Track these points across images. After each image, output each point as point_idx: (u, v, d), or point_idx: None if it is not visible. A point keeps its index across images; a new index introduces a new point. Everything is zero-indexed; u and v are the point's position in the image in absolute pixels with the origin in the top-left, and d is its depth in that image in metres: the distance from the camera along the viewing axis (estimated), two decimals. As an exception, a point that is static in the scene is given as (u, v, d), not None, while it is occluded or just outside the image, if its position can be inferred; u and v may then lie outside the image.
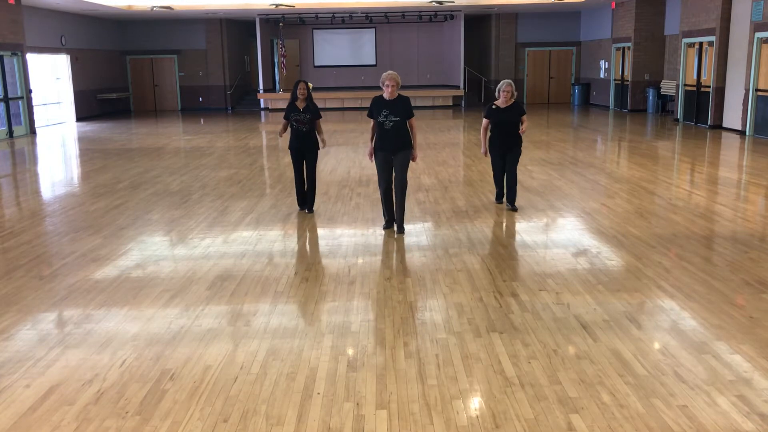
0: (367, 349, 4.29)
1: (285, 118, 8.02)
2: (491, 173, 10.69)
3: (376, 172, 7.24)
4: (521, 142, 8.27)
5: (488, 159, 8.65)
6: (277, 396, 3.71)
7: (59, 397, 3.73)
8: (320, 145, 8.14)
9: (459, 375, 3.91)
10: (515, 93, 8.18)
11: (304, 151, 8.04)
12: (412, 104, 7.14)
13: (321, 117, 8.07)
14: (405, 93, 7.22)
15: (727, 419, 3.40)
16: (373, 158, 7.15)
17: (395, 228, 7.25)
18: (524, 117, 8.13)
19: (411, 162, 7.20)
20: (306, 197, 8.26)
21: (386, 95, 6.97)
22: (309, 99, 7.97)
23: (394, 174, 7.08)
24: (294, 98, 7.93)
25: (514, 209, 8.20)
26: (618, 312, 4.86)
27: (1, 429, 3.43)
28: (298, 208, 8.35)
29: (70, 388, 3.84)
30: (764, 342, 4.30)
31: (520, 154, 8.29)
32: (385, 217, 7.35)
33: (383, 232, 7.25)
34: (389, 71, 7.09)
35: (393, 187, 7.14)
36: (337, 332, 4.57)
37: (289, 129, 8.08)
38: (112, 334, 4.61)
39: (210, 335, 4.56)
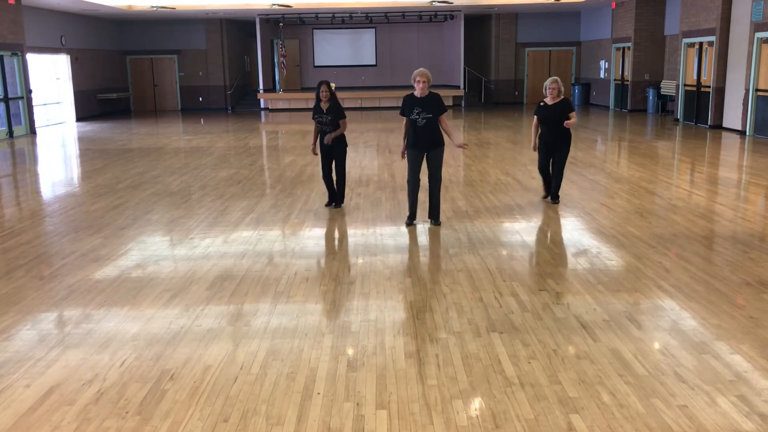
0: (367, 349, 4.29)
1: (313, 119, 8.20)
2: (491, 173, 10.75)
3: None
4: (569, 141, 8.32)
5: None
6: (277, 396, 3.71)
7: (59, 397, 3.73)
8: (326, 138, 8.13)
9: (459, 375, 3.91)
10: (563, 89, 8.19)
11: (332, 150, 8.15)
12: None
13: (345, 117, 8.12)
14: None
15: (727, 419, 3.40)
16: (405, 156, 7.27)
17: (431, 220, 7.47)
18: (571, 114, 8.15)
19: (464, 148, 7.35)
20: (334, 194, 8.44)
21: (417, 92, 7.04)
22: (332, 100, 8.01)
23: (427, 172, 7.22)
24: (318, 100, 8.04)
25: (554, 202, 8.46)
26: (618, 312, 4.86)
27: (1, 429, 3.43)
28: (326, 204, 8.51)
29: (70, 388, 3.84)
30: (764, 342, 4.30)
31: (567, 153, 8.37)
32: (408, 216, 7.48)
33: (406, 228, 7.36)
34: (420, 68, 7.17)
35: (428, 182, 7.28)
36: (337, 332, 4.57)
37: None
38: (112, 334, 4.61)
39: (210, 335, 4.55)
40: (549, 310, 4.91)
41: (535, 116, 8.37)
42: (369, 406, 3.58)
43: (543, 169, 8.56)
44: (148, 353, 4.28)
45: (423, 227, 7.46)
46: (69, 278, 5.84)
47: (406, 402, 3.61)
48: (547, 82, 8.20)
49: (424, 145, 7.13)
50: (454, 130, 17.86)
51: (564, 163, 8.40)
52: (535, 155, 8.78)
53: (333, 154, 8.20)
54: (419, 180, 7.31)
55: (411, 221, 7.44)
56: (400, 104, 7.40)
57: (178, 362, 4.14)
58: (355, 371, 3.98)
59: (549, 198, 8.58)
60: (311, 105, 22.53)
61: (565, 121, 8.07)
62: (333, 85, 8.17)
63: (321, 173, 8.48)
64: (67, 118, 21.75)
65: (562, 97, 8.20)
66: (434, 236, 7.07)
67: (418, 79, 7.00)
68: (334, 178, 8.37)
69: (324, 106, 8.01)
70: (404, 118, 7.22)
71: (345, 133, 8.17)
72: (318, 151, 8.42)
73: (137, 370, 4.05)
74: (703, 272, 5.73)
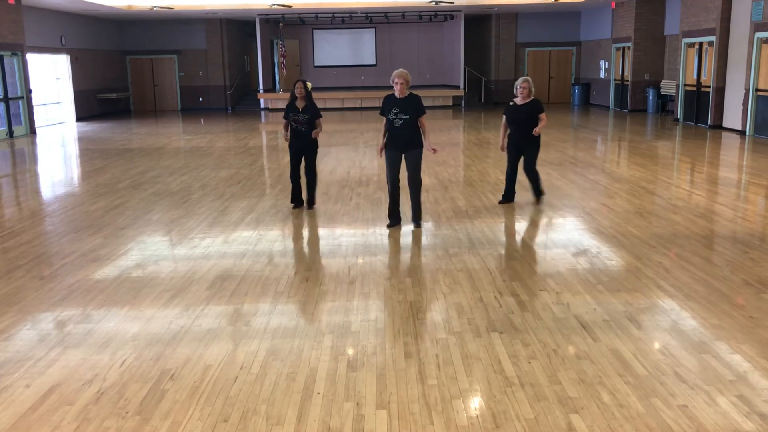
0: (367, 349, 4.29)
1: (285, 117, 8.08)
2: (491, 173, 10.74)
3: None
4: (538, 141, 8.26)
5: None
6: (277, 396, 3.71)
7: (59, 397, 3.73)
8: (314, 134, 8.11)
9: (459, 375, 3.91)
10: (533, 90, 8.14)
11: (304, 150, 8.10)
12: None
13: (321, 117, 8.11)
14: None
15: (727, 419, 3.40)
16: (383, 155, 7.22)
17: (413, 223, 7.36)
18: (542, 115, 8.05)
19: (434, 154, 7.42)
20: (300, 195, 8.38)
21: (396, 93, 7.02)
22: (308, 99, 8.00)
23: (406, 173, 7.16)
24: (293, 98, 7.98)
25: (539, 198, 8.50)
26: (618, 312, 4.86)
27: (1, 429, 3.43)
28: (291, 206, 8.41)
29: (70, 388, 3.84)
30: (764, 342, 4.30)
31: (535, 154, 8.29)
32: (389, 217, 7.40)
33: (387, 230, 7.27)
34: (400, 69, 7.11)
35: (407, 184, 7.20)
36: (337, 332, 4.57)
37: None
38: (112, 334, 4.61)
39: (210, 335, 4.56)
40: (549, 310, 4.91)
41: (504, 116, 8.23)
42: (369, 406, 3.58)
43: (511, 176, 8.42)
44: (148, 353, 4.28)
45: (423, 227, 7.45)
46: (69, 278, 5.84)
47: (406, 402, 3.61)
48: (518, 82, 8.11)
49: (400, 146, 7.08)
50: (454, 130, 17.86)
51: (534, 163, 8.32)
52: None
53: (305, 153, 8.13)
54: (398, 180, 7.22)
55: (393, 223, 7.35)
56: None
57: (178, 362, 4.14)
58: (355, 371, 3.98)
59: (534, 196, 8.55)
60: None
61: (534, 129, 7.98)
62: (310, 84, 8.18)
63: (290, 173, 8.31)
64: (67, 118, 21.75)
65: (533, 97, 8.14)
66: (434, 236, 7.07)
67: (396, 80, 6.96)
68: (304, 178, 8.30)
69: (300, 104, 7.96)
70: (383, 117, 7.18)
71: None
72: (288, 137, 8.21)
73: (137, 370, 4.05)
74: (703, 272, 5.73)
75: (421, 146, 7.10)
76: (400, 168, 7.19)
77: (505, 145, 8.36)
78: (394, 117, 6.97)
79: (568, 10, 24.59)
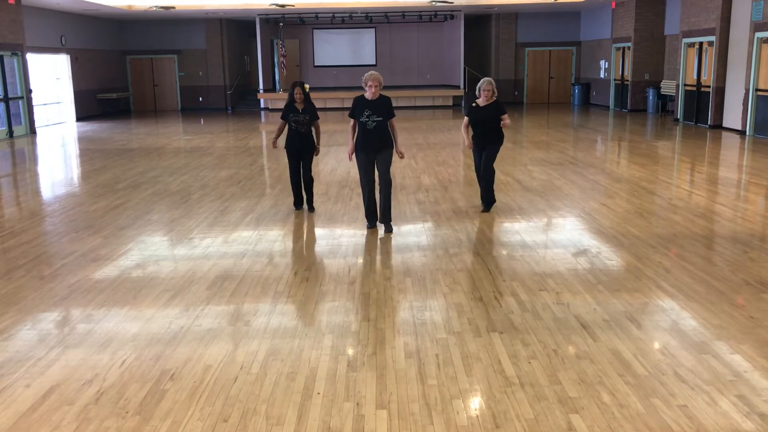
0: (367, 349, 4.29)
1: (283, 118, 8.09)
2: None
3: (376, 172, 7.23)
4: (500, 140, 8.11)
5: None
6: (277, 396, 3.71)
7: (59, 397, 3.73)
8: (316, 150, 8.18)
9: (459, 375, 3.91)
10: (496, 92, 8.05)
11: (303, 151, 8.10)
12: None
13: (319, 118, 8.15)
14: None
15: (727, 419, 3.40)
16: (353, 158, 7.23)
17: (383, 228, 7.28)
18: (504, 116, 7.92)
19: (402, 159, 7.43)
20: (303, 197, 8.35)
21: (369, 95, 7.04)
22: (307, 100, 8.03)
23: (376, 174, 7.16)
24: (292, 99, 8.00)
25: (486, 210, 8.14)
26: (618, 312, 4.86)
27: (1, 429, 3.43)
28: (294, 208, 8.38)
29: (70, 388, 3.84)
30: (764, 342, 4.30)
31: (497, 151, 8.12)
32: (367, 219, 7.40)
33: (366, 232, 7.27)
34: (371, 72, 7.14)
35: (377, 186, 7.19)
36: (337, 332, 4.57)
37: (286, 130, 8.14)
38: (112, 334, 4.61)
39: (210, 335, 4.56)
40: (549, 310, 4.91)
41: (466, 117, 8.13)
42: (369, 406, 3.58)
43: (479, 170, 8.25)
44: (148, 353, 4.28)
45: (423, 227, 7.46)
46: (69, 278, 5.84)
47: (406, 402, 3.61)
48: (482, 84, 7.99)
49: (373, 148, 7.05)
50: (454, 130, 17.84)
51: (494, 156, 8.10)
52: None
53: (304, 156, 8.13)
54: (374, 181, 7.21)
55: (373, 224, 7.36)
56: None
57: (178, 362, 4.14)
58: (355, 371, 3.98)
59: (481, 203, 8.27)
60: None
61: (502, 122, 7.89)
62: (307, 86, 8.23)
63: (290, 177, 8.28)
64: (67, 118, 21.74)
65: (495, 98, 8.04)
66: (434, 236, 7.07)
67: (369, 83, 6.97)
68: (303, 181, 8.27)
69: (299, 106, 8.00)
70: (351, 120, 7.20)
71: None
72: (278, 144, 8.27)
73: (137, 370, 4.05)
74: (703, 272, 5.73)
75: (392, 146, 7.13)
76: (373, 169, 7.19)
77: (472, 144, 8.20)
78: (367, 119, 6.98)
79: (568, 10, 24.59)
